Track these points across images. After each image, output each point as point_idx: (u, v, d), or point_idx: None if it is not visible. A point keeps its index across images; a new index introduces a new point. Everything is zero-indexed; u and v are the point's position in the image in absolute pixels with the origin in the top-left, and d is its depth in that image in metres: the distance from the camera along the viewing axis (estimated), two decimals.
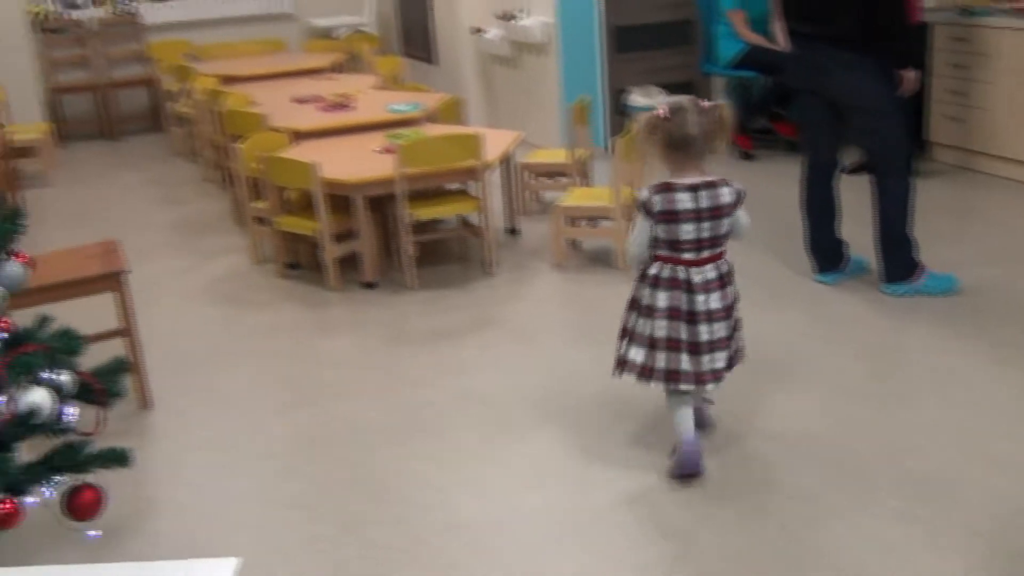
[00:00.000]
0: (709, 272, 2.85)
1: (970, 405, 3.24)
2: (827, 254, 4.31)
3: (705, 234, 2.82)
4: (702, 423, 3.14)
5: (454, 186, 4.99)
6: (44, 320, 2.52)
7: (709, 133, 2.83)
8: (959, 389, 3.35)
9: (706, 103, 2.86)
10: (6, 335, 2.32)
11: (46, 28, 8.63)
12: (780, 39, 4.28)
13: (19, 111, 7.84)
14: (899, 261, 4.11)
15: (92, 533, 2.54)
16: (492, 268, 4.76)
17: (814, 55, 4.09)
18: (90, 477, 2.46)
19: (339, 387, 3.71)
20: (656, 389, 2.96)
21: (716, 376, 2.89)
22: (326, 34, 9.16)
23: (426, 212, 4.63)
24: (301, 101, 6.05)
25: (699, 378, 2.87)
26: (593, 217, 4.80)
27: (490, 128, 5.84)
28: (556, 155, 5.66)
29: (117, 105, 8.92)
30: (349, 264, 4.69)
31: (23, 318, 2.56)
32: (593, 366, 3.72)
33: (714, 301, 2.84)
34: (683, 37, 7.02)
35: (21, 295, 2.44)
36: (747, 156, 6.55)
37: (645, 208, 2.83)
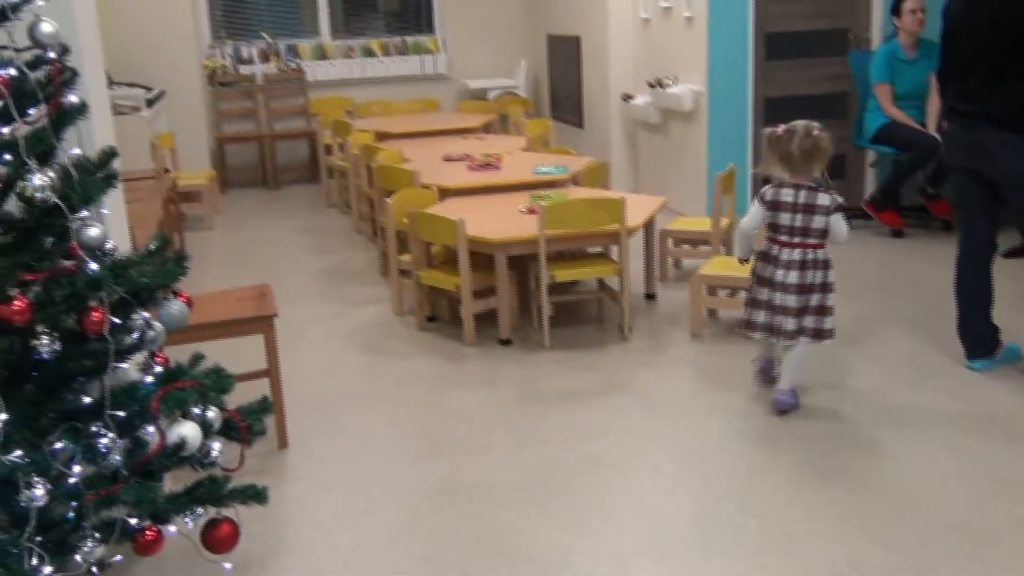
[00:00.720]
0: (795, 254, 3.72)
1: None
2: (979, 339, 4.13)
3: (798, 223, 3.71)
4: (769, 376, 4.09)
5: (595, 249, 5.02)
6: (197, 357, 2.66)
7: (807, 153, 3.67)
8: None
9: (816, 130, 3.71)
10: (161, 369, 2.45)
11: (218, 81, 9.17)
12: (932, 117, 4.19)
13: (187, 158, 8.33)
14: None
15: (227, 566, 2.64)
16: (627, 332, 4.75)
17: (974, 134, 3.97)
18: (228, 511, 2.56)
19: (470, 441, 3.75)
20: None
21: (782, 334, 3.79)
22: (480, 95, 9.42)
23: (565, 273, 4.68)
24: (451, 159, 6.23)
25: (768, 329, 3.83)
26: (733, 287, 4.75)
27: (634, 193, 5.86)
28: (698, 223, 5.64)
29: (277, 156, 9.37)
30: (487, 320, 4.77)
31: (178, 353, 2.70)
32: (722, 438, 3.66)
33: (791, 277, 3.72)
34: (837, 110, 6.91)
35: (178, 332, 2.58)
36: (897, 234, 6.36)
37: (760, 197, 3.80)
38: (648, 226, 5.15)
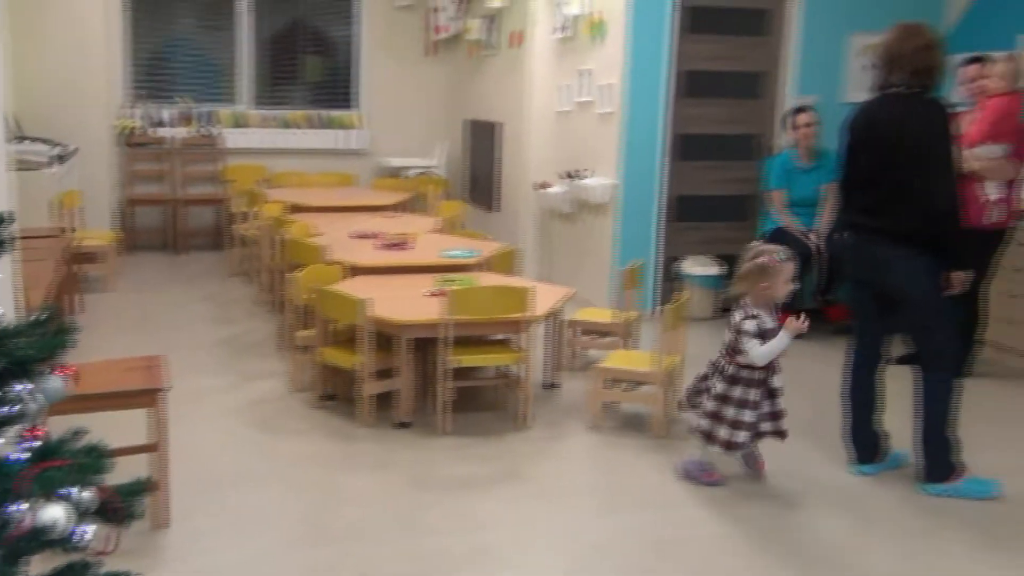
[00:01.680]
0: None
1: None
2: (865, 445, 4.24)
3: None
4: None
5: (498, 335, 5.03)
6: (76, 433, 2.55)
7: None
8: None
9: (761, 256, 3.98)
10: (37, 444, 2.35)
11: (132, 142, 9.03)
12: (823, 226, 4.35)
13: (93, 217, 8.14)
14: (938, 461, 4.03)
15: None
16: (527, 421, 4.74)
17: (871, 247, 4.11)
18: None
19: (357, 526, 3.67)
20: None
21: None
22: (397, 173, 9.46)
23: (468, 359, 4.67)
24: (362, 236, 6.21)
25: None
26: (631, 381, 4.79)
27: (542, 281, 5.92)
28: (604, 314, 5.71)
29: (185, 220, 9.23)
30: (385, 401, 4.71)
31: (59, 424, 2.59)
32: (614, 536, 3.65)
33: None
34: (741, 211, 7.13)
35: (59, 404, 2.47)
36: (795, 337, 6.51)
37: (755, 330, 3.98)
38: (554, 316, 5.18)
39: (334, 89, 9.91)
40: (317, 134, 9.68)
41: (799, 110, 6.64)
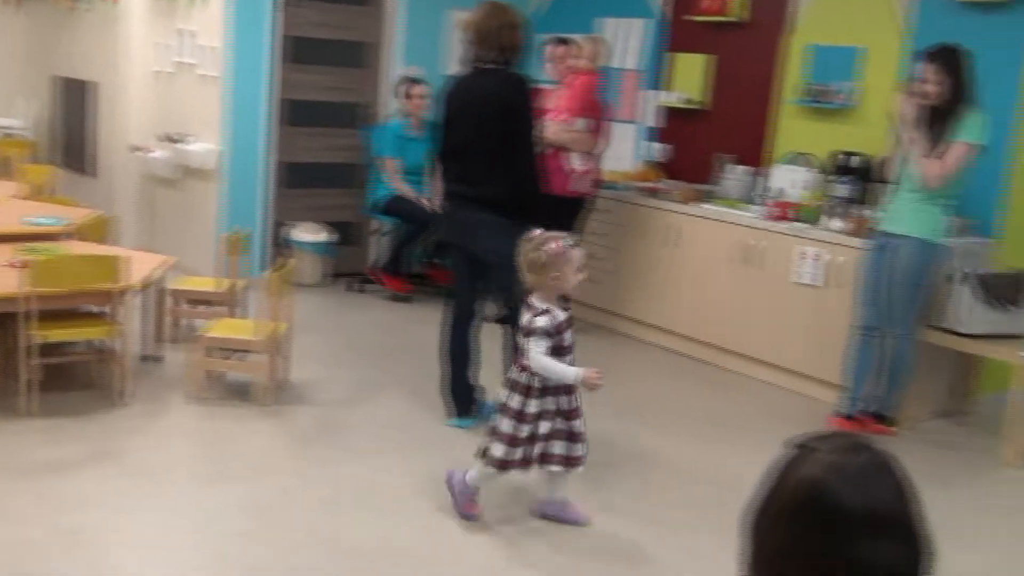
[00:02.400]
0: None
1: (582, 550, 3.43)
2: (461, 399, 4.49)
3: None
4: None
5: (91, 308, 4.72)
6: None
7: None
8: (570, 531, 3.56)
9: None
10: None
11: None
12: (436, 196, 4.52)
13: None
14: None
15: None
16: (124, 397, 4.51)
17: (464, 214, 4.34)
18: None
19: None
20: None
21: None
22: None
23: (55, 334, 4.34)
24: None
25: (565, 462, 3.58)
26: (235, 350, 4.72)
27: (143, 250, 5.63)
28: (208, 283, 5.54)
29: None
30: None
31: None
32: (216, 507, 3.59)
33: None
34: (350, 179, 7.22)
35: None
36: (403, 299, 6.74)
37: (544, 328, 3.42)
38: (153, 285, 4.95)
39: None
40: None
41: (415, 81, 6.82)
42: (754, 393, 5.39)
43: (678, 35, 6.70)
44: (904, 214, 4.60)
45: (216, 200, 6.73)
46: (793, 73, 5.99)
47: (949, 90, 4.44)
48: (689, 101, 6.59)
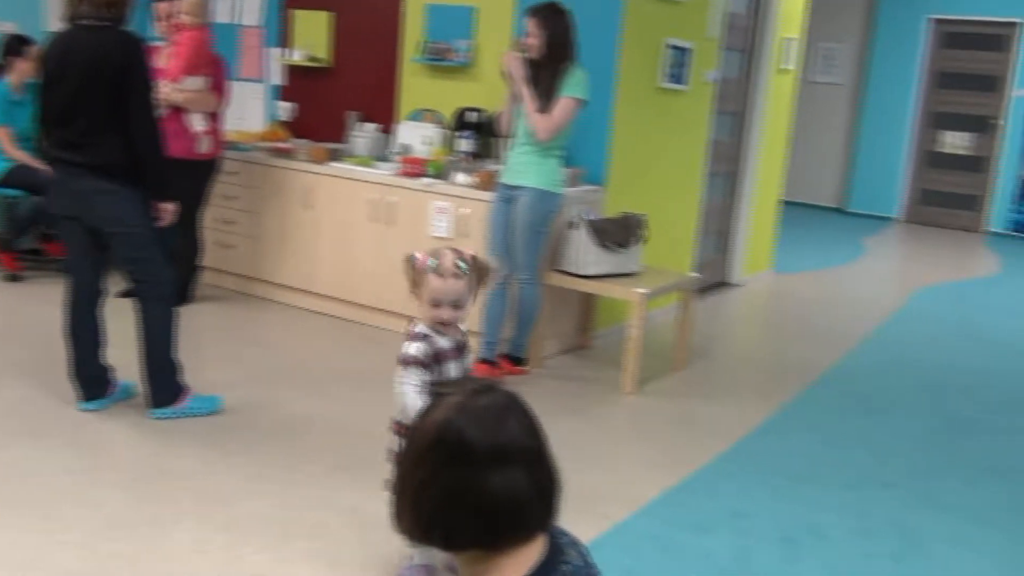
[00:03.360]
0: None
1: (230, 525, 3.38)
2: (91, 381, 4.21)
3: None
4: None
5: None
6: None
7: None
8: (219, 507, 3.48)
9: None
10: None
11: None
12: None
13: None
14: (164, 386, 4.18)
15: None
16: None
17: (75, 182, 4.02)
18: None
19: None
20: None
21: None
22: None
23: None
24: None
25: None
26: None
27: None
28: None
29: None
30: None
31: None
32: None
33: None
34: None
35: None
36: (14, 278, 6.17)
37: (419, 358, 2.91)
38: None
39: None
40: None
41: (25, 41, 6.18)
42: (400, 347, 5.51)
43: None
44: (522, 167, 4.88)
45: None
46: (414, 31, 6.13)
47: (546, 44, 4.75)
48: (313, 59, 6.54)
